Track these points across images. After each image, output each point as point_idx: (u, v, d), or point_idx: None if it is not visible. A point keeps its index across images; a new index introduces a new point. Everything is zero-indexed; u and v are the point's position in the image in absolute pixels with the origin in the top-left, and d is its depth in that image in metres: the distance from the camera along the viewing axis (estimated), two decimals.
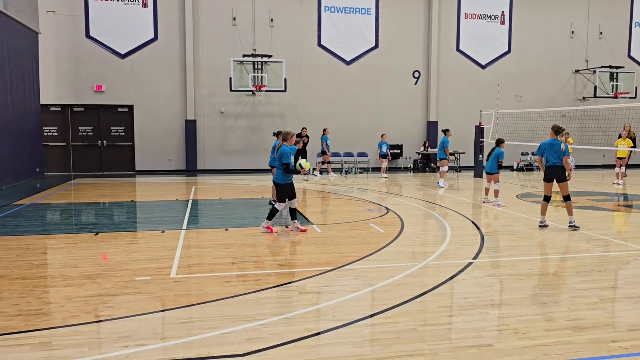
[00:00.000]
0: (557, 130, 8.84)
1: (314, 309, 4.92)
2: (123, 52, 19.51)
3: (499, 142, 11.75)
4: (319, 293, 5.46)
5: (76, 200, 12.86)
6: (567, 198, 8.69)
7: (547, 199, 8.88)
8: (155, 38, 19.71)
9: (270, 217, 8.57)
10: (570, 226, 8.63)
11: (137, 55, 19.61)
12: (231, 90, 19.29)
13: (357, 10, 21.29)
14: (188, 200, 12.53)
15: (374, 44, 21.47)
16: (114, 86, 19.53)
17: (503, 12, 22.58)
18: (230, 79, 19.04)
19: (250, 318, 4.62)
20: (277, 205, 8.55)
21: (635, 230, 8.88)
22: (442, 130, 16.33)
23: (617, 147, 16.38)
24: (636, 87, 22.52)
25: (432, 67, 21.85)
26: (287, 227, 8.86)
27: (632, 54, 23.89)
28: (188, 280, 5.81)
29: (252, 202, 12.70)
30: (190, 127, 20.01)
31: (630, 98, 22.36)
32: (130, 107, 19.84)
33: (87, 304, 5.01)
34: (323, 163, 18.46)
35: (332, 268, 6.31)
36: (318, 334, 4.30)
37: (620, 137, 16.75)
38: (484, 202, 11.92)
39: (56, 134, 19.54)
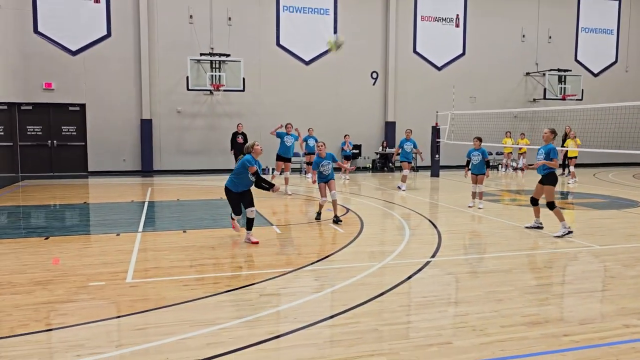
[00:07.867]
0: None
1: (275, 311, 4.88)
2: (74, 49, 18.83)
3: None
4: (279, 295, 5.42)
5: (24, 202, 12.32)
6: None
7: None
8: (109, 34, 19.12)
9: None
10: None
11: (89, 52, 18.98)
12: (188, 89, 18.93)
13: (316, 10, 21.30)
14: (144, 202, 12.22)
15: None
16: (64, 84, 18.83)
17: (457, 15, 23.08)
18: (187, 77, 18.70)
19: (209, 322, 4.53)
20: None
21: (582, 226, 9.24)
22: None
23: (567, 147, 17.03)
24: (582, 90, 23.47)
25: (390, 68, 22.11)
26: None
27: (578, 58, 24.90)
28: (144, 285, 5.66)
29: (210, 203, 12.50)
30: (146, 127, 19.53)
31: (576, 100, 23.29)
32: (82, 106, 19.17)
33: (37, 311, 4.80)
34: (308, 164, 17.77)
35: (292, 269, 6.28)
36: (279, 336, 4.26)
37: (567, 137, 17.52)
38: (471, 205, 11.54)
39: (2, 133, 18.66)
